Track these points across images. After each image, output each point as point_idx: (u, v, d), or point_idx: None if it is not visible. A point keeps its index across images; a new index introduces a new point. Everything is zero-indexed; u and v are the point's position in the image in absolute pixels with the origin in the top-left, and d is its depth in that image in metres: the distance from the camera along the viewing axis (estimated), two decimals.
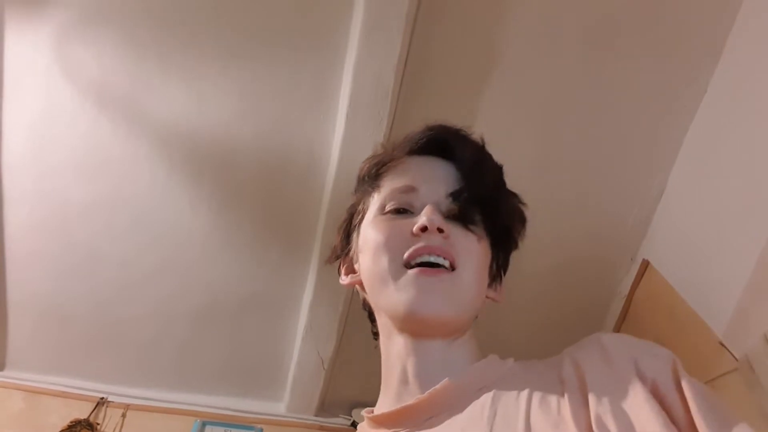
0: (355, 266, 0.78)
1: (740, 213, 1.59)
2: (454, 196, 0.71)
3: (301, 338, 2.15)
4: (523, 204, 0.80)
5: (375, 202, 0.76)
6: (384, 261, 0.68)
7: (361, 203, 0.80)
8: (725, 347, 1.50)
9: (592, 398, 0.56)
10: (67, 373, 2.24)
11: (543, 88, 1.82)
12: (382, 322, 0.74)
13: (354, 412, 2.34)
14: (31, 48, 1.74)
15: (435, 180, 0.73)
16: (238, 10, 1.69)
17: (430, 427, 0.63)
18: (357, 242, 0.78)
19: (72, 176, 1.92)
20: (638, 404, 0.54)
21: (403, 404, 0.66)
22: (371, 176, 0.79)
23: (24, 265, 2.07)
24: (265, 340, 2.24)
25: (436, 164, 0.75)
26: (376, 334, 0.78)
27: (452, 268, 0.67)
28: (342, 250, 0.82)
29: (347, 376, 2.27)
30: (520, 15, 1.73)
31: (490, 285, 0.76)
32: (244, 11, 1.70)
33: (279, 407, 2.35)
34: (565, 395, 0.58)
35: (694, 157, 1.87)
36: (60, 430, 2.10)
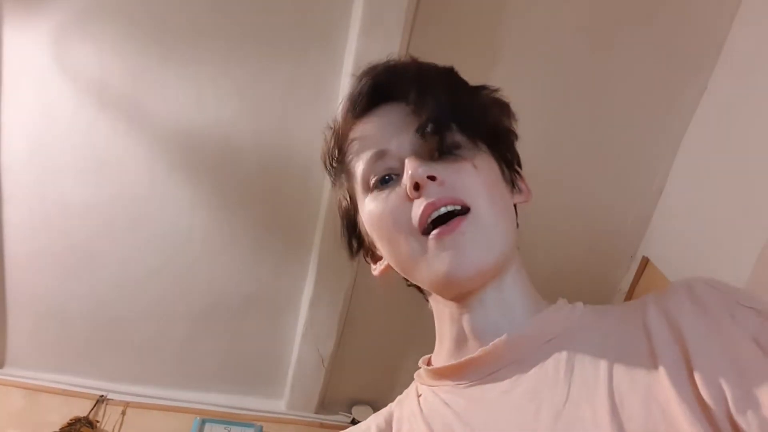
0: (378, 253, 0.71)
1: (740, 211, 1.59)
2: (421, 131, 0.63)
3: (301, 336, 2.15)
4: (496, 90, 0.72)
5: (356, 183, 0.69)
6: (400, 241, 0.62)
7: (345, 192, 0.73)
8: None
9: (694, 357, 0.49)
10: (67, 370, 2.24)
11: (543, 86, 1.82)
12: (431, 295, 0.68)
13: (354, 409, 2.34)
14: (30, 46, 1.73)
15: (397, 129, 0.65)
16: (238, 9, 1.69)
17: (497, 381, 0.59)
18: (365, 231, 0.71)
19: (72, 176, 1.91)
20: (754, 365, 0.47)
21: (467, 357, 0.61)
22: (337, 161, 0.72)
23: (24, 264, 2.07)
24: (265, 338, 2.24)
25: (389, 112, 0.67)
26: (427, 300, 0.71)
27: (466, 208, 0.60)
28: (359, 244, 0.75)
29: (347, 373, 2.27)
30: (520, 14, 1.73)
31: (512, 190, 0.69)
32: (243, 11, 1.69)
33: (279, 405, 2.35)
34: (657, 352, 0.52)
35: (693, 156, 1.87)
36: (60, 427, 2.11)
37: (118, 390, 2.25)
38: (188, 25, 1.72)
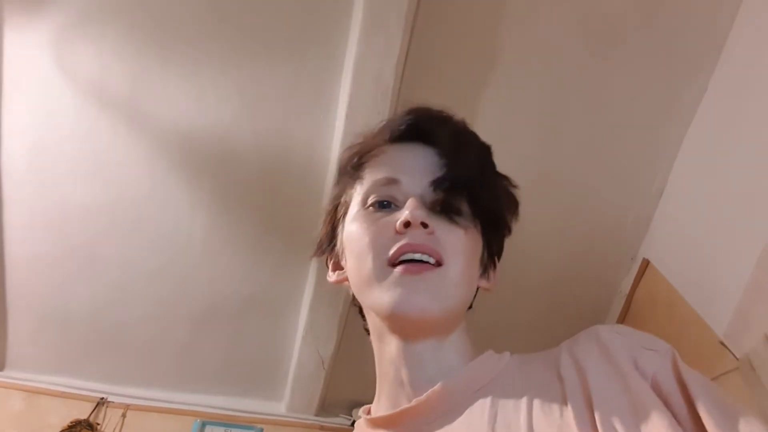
0: (342, 263, 0.75)
1: (740, 212, 1.59)
2: (436, 184, 0.67)
3: (301, 338, 2.15)
4: (514, 186, 0.76)
5: (357, 194, 0.72)
6: (368, 261, 0.65)
7: (344, 195, 0.76)
8: (726, 346, 1.50)
9: (596, 401, 0.54)
10: (67, 373, 2.24)
11: (543, 87, 1.82)
12: (372, 323, 0.72)
13: (354, 411, 2.34)
14: (31, 48, 1.74)
15: (417, 170, 0.69)
16: (239, 10, 1.69)
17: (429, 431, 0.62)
18: (342, 237, 0.74)
19: (72, 178, 1.91)
20: (644, 407, 0.52)
21: (400, 408, 0.65)
22: (352, 166, 0.75)
23: (24, 266, 2.07)
24: (265, 340, 2.24)
25: (418, 152, 0.71)
26: (368, 331, 0.75)
27: (438, 264, 0.64)
28: (328, 245, 0.79)
29: (347, 375, 2.27)
30: (520, 15, 1.73)
31: (482, 275, 0.73)
32: (244, 11, 1.69)
33: (279, 407, 2.35)
34: (567, 397, 0.56)
35: (694, 157, 1.87)
36: (60, 430, 2.10)
37: (118, 392, 2.24)
38: (188, 27, 1.72)
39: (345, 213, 0.75)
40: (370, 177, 0.71)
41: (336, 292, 2.02)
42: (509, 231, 0.77)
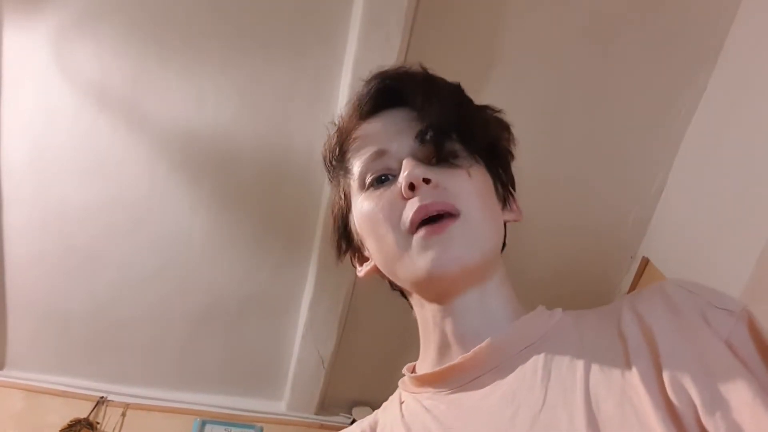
0: (366, 253, 0.72)
1: (740, 211, 1.59)
2: (421, 137, 0.65)
3: (301, 337, 2.15)
4: (498, 111, 0.74)
5: (353, 181, 0.70)
6: (389, 237, 0.63)
7: (340, 189, 0.75)
8: None
9: (665, 360, 0.50)
10: (67, 372, 2.24)
11: (543, 87, 1.83)
12: (414, 298, 0.69)
13: (354, 410, 2.34)
14: (31, 48, 1.73)
15: (399, 132, 0.67)
16: (238, 10, 1.69)
17: (477, 387, 0.60)
18: (356, 229, 0.72)
19: (72, 178, 1.91)
20: (723, 368, 0.48)
21: (448, 364, 0.62)
22: (337, 159, 0.74)
23: (24, 266, 2.07)
24: (265, 340, 2.24)
25: (394, 116, 0.69)
26: (411, 306, 0.72)
27: (457, 213, 0.61)
28: (348, 245, 0.76)
29: (347, 374, 2.27)
30: (520, 15, 1.73)
31: (504, 208, 0.70)
32: (243, 12, 1.69)
33: (279, 406, 2.35)
34: (630, 356, 0.52)
35: (693, 156, 1.87)
36: (60, 429, 2.11)
37: (118, 391, 2.25)
38: (188, 27, 1.72)
39: (349, 207, 0.73)
40: (358, 159, 0.70)
41: (336, 291, 2.02)
42: (512, 155, 0.75)
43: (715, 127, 1.79)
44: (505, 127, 0.74)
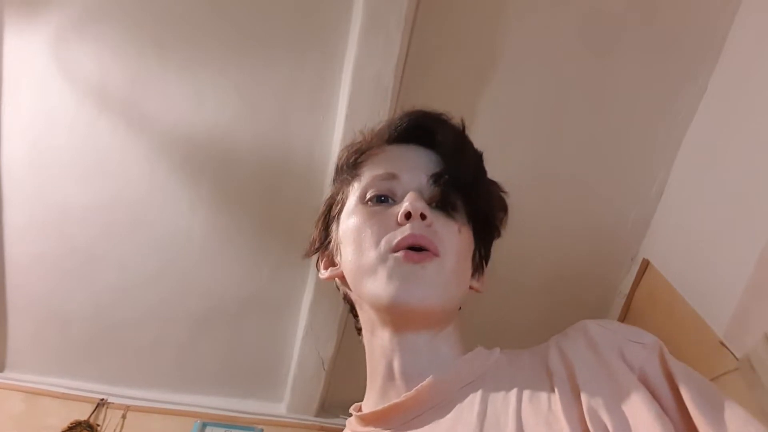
0: (336, 259, 0.75)
1: (740, 212, 1.58)
2: (435, 179, 0.69)
3: (302, 339, 2.15)
4: (504, 192, 0.78)
5: (355, 191, 0.73)
6: (369, 252, 0.66)
7: (340, 193, 0.77)
8: (726, 347, 1.50)
9: (583, 392, 0.55)
10: (67, 374, 2.24)
11: (543, 87, 1.82)
12: (366, 317, 0.71)
13: None
14: (31, 49, 1.74)
15: (416, 167, 0.71)
16: (238, 10, 1.69)
17: (417, 426, 0.62)
18: (337, 234, 0.75)
19: (71, 179, 1.91)
20: (630, 396, 0.53)
21: (390, 402, 0.65)
22: (350, 165, 0.76)
23: (24, 267, 2.07)
24: (266, 341, 2.23)
25: (417, 152, 0.74)
26: (359, 330, 0.75)
27: (437, 254, 0.65)
28: (321, 243, 0.79)
29: (347, 376, 2.26)
30: (520, 15, 1.73)
31: (472, 275, 0.74)
32: (243, 11, 1.69)
33: (279, 408, 2.35)
34: (555, 389, 0.57)
35: (694, 157, 1.87)
36: (60, 431, 2.10)
37: (118, 393, 2.24)
38: (188, 28, 1.72)
39: (340, 211, 0.75)
40: (368, 173, 0.73)
41: (336, 293, 2.01)
42: (499, 234, 0.79)
43: (715, 127, 1.79)
44: (503, 208, 0.79)
